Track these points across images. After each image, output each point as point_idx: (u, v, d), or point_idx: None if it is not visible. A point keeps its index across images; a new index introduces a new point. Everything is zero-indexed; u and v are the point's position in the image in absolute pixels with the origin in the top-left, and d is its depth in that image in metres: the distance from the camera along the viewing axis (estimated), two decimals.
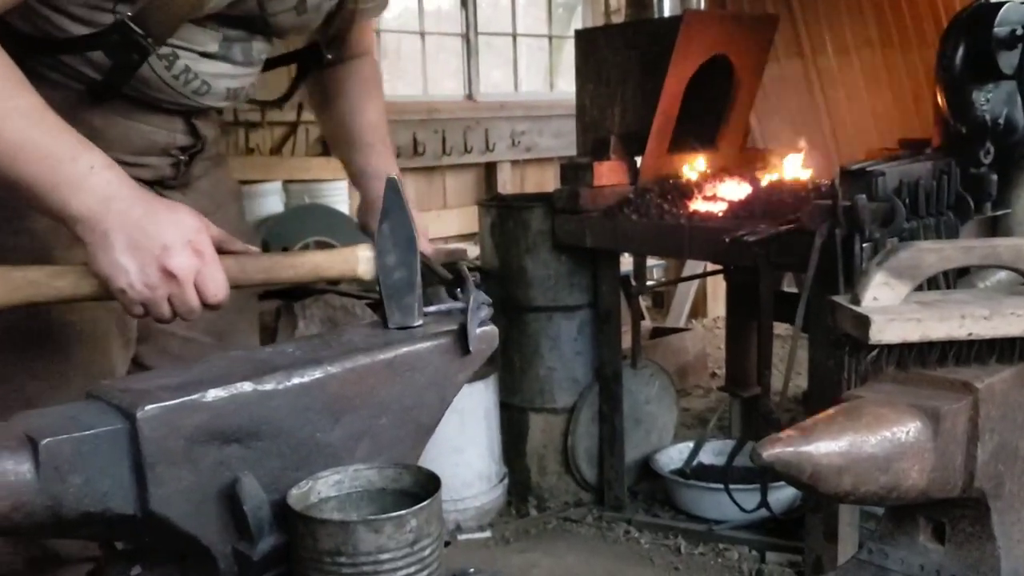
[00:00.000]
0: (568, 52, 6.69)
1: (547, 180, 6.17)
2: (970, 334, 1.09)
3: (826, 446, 0.99)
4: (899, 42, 3.14)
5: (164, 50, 1.23)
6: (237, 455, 0.91)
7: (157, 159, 1.36)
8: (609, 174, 2.88)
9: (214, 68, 1.30)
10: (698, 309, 5.42)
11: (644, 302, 4.61)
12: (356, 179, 1.56)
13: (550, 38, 6.47)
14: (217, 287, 1.09)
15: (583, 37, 3.16)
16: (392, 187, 1.11)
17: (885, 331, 1.08)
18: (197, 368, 0.97)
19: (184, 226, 1.08)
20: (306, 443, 0.96)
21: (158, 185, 1.36)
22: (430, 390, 1.06)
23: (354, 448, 1.01)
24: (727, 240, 2.36)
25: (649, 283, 4.73)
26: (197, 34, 1.26)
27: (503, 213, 3.05)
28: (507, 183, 5.89)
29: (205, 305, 1.10)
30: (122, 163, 1.19)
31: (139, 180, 1.30)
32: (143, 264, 1.05)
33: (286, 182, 4.60)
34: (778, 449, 0.97)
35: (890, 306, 1.12)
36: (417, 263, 1.10)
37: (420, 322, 1.09)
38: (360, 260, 1.13)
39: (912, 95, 3.01)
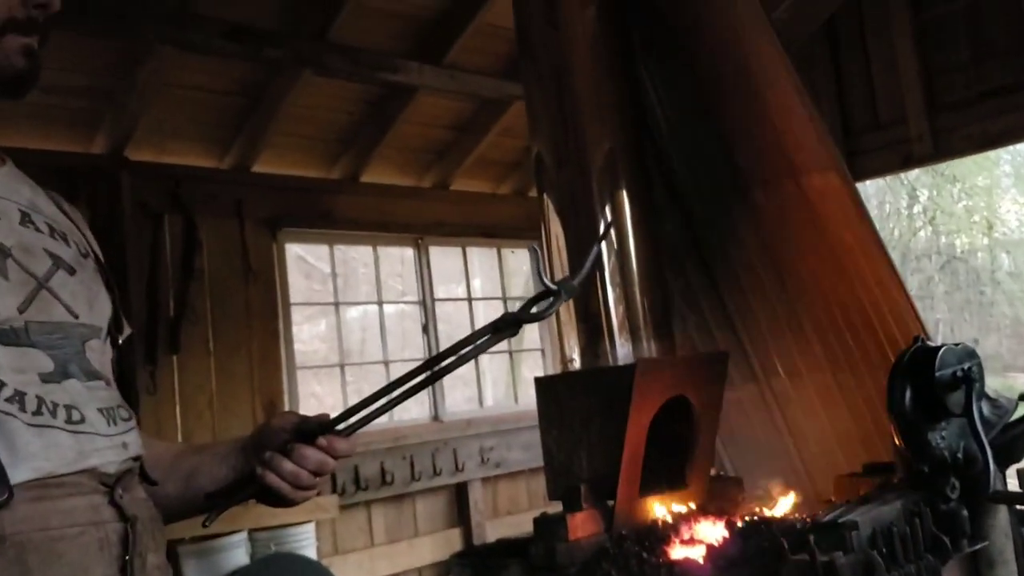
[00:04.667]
0: (528, 365, 6.90)
1: (519, 495, 6.12)
2: None
3: None
4: (847, 365, 3.27)
5: None
6: None
7: None
8: (583, 525, 2.84)
9: None
10: None
11: None
12: (225, 458, 1.39)
13: (511, 353, 6.67)
14: None
15: (543, 384, 3.24)
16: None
17: None
18: None
19: None
20: None
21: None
22: None
23: None
24: None
25: None
26: None
27: (478, 572, 2.96)
28: (479, 503, 5.81)
29: None
30: None
31: None
32: None
33: (251, 531, 4.48)
34: None
35: None
36: None
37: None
38: None
39: (870, 415, 3.09)
